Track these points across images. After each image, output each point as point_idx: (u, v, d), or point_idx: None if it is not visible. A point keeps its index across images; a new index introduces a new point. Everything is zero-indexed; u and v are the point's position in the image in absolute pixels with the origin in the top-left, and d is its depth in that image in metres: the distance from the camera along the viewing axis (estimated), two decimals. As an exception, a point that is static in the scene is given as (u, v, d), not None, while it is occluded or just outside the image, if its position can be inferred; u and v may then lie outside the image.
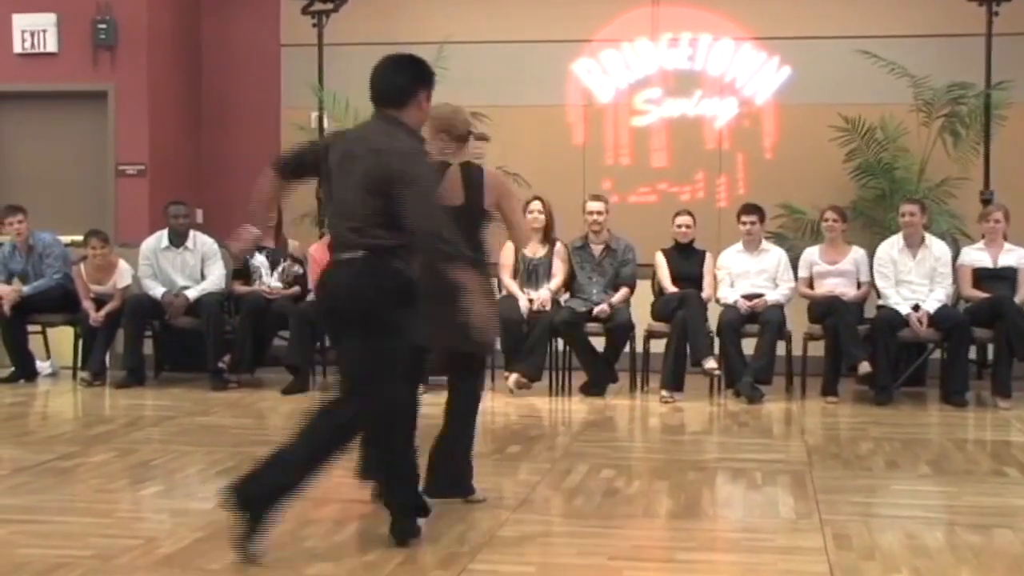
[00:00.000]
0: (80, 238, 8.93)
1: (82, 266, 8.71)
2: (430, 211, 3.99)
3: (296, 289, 8.54)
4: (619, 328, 8.13)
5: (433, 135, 4.71)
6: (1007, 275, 8.08)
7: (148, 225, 9.28)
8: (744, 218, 8.36)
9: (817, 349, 8.08)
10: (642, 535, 4.54)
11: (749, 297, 8.13)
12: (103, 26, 9.50)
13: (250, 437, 6.35)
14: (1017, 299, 7.88)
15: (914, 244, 8.06)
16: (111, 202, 9.64)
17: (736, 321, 8.02)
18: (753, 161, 9.74)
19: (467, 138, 4.84)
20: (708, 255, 8.50)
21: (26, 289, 8.73)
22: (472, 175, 4.77)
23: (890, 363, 7.87)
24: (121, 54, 9.58)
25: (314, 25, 9.34)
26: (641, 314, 8.33)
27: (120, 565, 3.92)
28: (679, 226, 8.46)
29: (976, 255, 8.20)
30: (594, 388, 8.15)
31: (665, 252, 8.51)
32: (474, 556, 4.03)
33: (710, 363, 7.89)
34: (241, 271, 8.68)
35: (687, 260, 8.45)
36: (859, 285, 8.25)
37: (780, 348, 8.04)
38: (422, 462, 4.44)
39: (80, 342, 8.77)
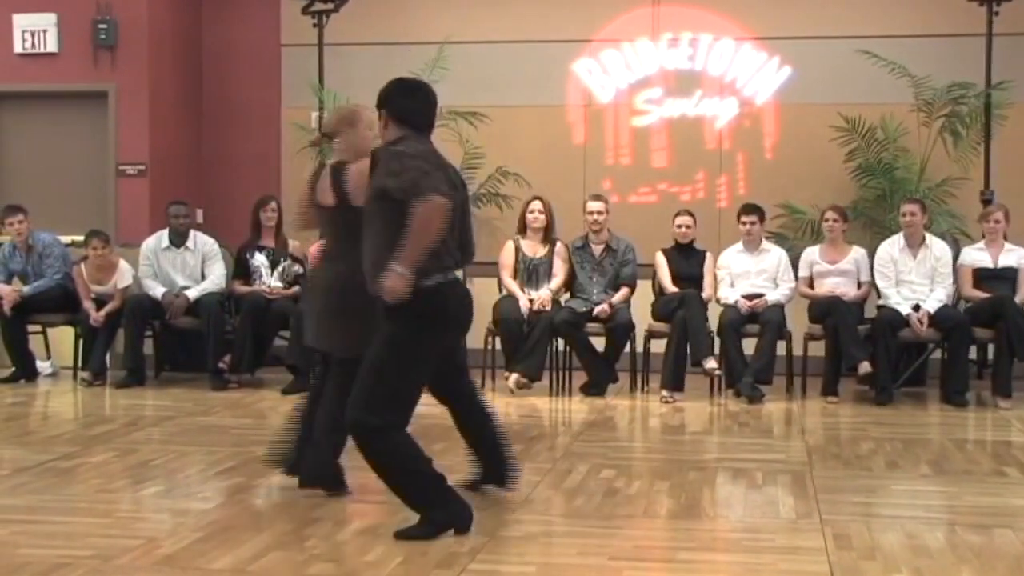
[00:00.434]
0: (80, 238, 8.92)
1: (82, 266, 8.70)
2: None
3: (296, 289, 8.52)
4: (619, 328, 8.13)
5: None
6: (1007, 275, 8.08)
7: (148, 225, 9.27)
8: (744, 218, 8.36)
9: (817, 349, 8.08)
10: (642, 535, 4.54)
11: (749, 297, 8.13)
12: (103, 26, 9.48)
13: (250, 437, 6.34)
14: (1017, 299, 7.87)
15: (915, 244, 8.06)
16: (111, 202, 9.63)
17: (736, 321, 8.02)
18: (753, 161, 9.73)
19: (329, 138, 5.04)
20: (708, 255, 8.50)
21: (26, 289, 8.72)
22: (340, 174, 4.85)
23: (890, 363, 7.87)
24: (121, 54, 9.56)
25: (314, 25, 9.35)
26: (641, 314, 8.33)
27: (120, 565, 3.92)
28: (679, 226, 8.46)
29: (976, 255, 8.19)
30: (594, 388, 8.15)
31: (665, 252, 8.51)
32: (474, 556, 4.02)
33: (710, 363, 7.89)
34: (241, 271, 8.69)
35: (687, 260, 8.45)
36: (859, 285, 8.25)
37: (780, 348, 8.04)
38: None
39: (80, 342, 8.76)
